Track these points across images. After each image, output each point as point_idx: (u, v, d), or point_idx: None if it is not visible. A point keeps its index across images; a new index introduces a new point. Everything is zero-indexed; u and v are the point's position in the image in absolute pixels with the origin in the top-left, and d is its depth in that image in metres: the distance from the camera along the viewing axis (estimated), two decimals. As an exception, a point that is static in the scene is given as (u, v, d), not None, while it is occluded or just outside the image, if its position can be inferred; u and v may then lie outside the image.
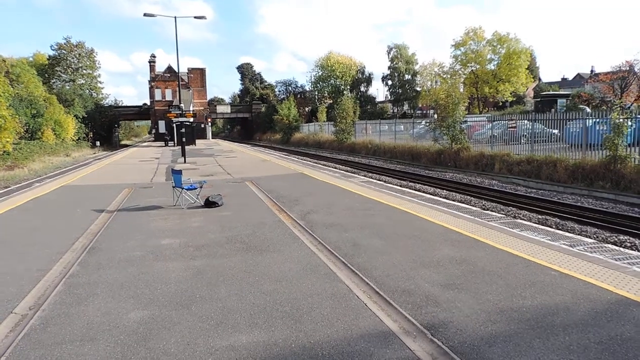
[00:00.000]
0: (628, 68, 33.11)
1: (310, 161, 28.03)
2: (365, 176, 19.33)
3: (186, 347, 3.81)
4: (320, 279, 5.40)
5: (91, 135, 55.85)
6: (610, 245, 6.69)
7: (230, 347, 3.79)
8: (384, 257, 6.14)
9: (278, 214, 9.33)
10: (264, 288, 5.13)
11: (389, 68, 68.32)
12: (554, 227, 9.80)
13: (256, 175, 16.39)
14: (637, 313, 4.19)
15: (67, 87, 60.10)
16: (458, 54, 55.16)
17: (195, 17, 30.82)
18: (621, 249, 6.57)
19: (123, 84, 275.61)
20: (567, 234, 7.42)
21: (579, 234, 8.86)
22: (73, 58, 66.53)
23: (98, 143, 54.24)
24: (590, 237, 8.68)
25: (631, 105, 28.79)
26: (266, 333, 4.02)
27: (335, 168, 23.49)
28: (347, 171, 22.32)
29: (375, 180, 16.96)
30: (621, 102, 22.65)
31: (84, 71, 68.19)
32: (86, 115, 54.46)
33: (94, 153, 48.63)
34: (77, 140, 49.40)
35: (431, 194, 14.06)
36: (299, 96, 75.63)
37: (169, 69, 62.74)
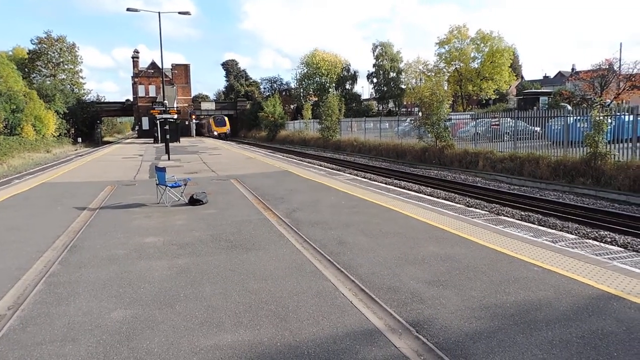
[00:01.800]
0: (608, 66, 33.66)
1: (295, 159, 27.97)
2: (350, 174, 19.35)
3: (170, 347, 3.76)
4: (306, 277, 5.38)
5: (73, 132, 54.90)
6: (591, 241, 6.81)
7: (214, 347, 3.75)
8: (369, 255, 6.15)
9: (263, 211, 9.28)
10: (249, 286, 5.10)
11: (374, 66, 68.45)
12: (536, 223, 9.92)
13: (241, 173, 16.30)
14: (618, 307, 4.26)
15: (48, 82, 58.91)
16: (442, 52, 55.55)
17: (179, 13, 30.45)
18: (602, 244, 6.69)
19: (105, 79, 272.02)
20: (549, 230, 7.53)
21: (560, 230, 9.00)
22: (54, 52, 65.33)
23: (80, 139, 53.32)
24: (571, 233, 8.81)
25: (611, 102, 29.33)
26: (251, 332, 3.99)
27: (321, 166, 23.47)
28: (332, 169, 22.33)
29: (360, 178, 17.00)
30: (601, 100, 23.07)
31: (65, 66, 67.06)
32: (67, 111, 53.55)
33: (76, 149, 47.89)
34: (58, 136, 48.58)
35: (416, 192, 14.14)
36: (284, 93, 75.39)
37: (153, 64, 61.99)
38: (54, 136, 47.07)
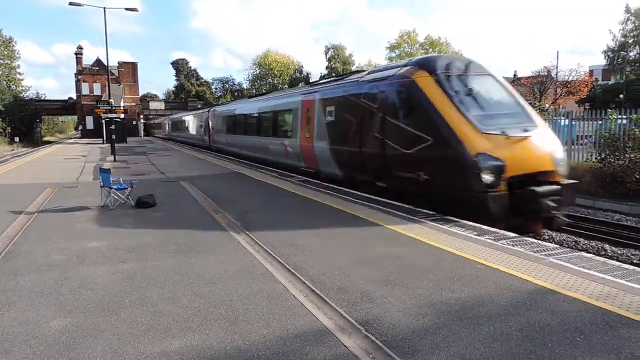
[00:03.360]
0: (546, 73, 35.68)
1: (247, 160, 27.63)
2: (302, 176, 19.34)
3: (114, 355, 3.62)
4: (257, 279, 5.34)
5: (9, 131, 51.83)
6: (529, 239, 7.14)
7: (161, 353, 3.65)
8: (320, 256, 6.19)
9: (214, 214, 9.13)
10: (198, 290, 5.00)
11: (327, 68, 69.14)
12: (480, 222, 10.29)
13: (192, 175, 15.94)
14: (553, 301, 4.51)
15: (-19, 78, 55.23)
16: (393, 56, 56.97)
17: (126, 9, 29.42)
18: (539, 241, 7.03)
19: (45, 76, 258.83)
20: (491, 228, 7.84)
21: (502, 229, 9.37)
22: (-13, 47, 61.25)
23: (17, 139, 50.39)
24: (512, 231, 9.20)
25: (549, 107, 31.05)
26: (200, 337, 3.92)
27: (273, 167, 23.31)
28: (284, 170, 22.23)
29: (312, 180, 17.03)
30: (540, 105, 24.35)
31: (1, 61, 62.97)
32: (3, 109, 50.40)
33: (12, 150, 45.22)
34: (-8, 136, 45.64)
35: (367, 193, 14.30)
36: (236, 94, 74.58)
37: (98, 62, 59.57)
38: (-13, 135, 44.20)
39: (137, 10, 29.65)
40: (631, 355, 3.48)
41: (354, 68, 66.79)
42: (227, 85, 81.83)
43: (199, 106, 72.14)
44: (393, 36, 61.53)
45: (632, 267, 5.56)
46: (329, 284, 5.14)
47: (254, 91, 71.14)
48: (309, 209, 9.56)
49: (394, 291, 4.89)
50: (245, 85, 76.44)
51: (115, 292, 4.96)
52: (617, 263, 5.72)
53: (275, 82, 68.89)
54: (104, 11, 27.02)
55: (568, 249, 6.52)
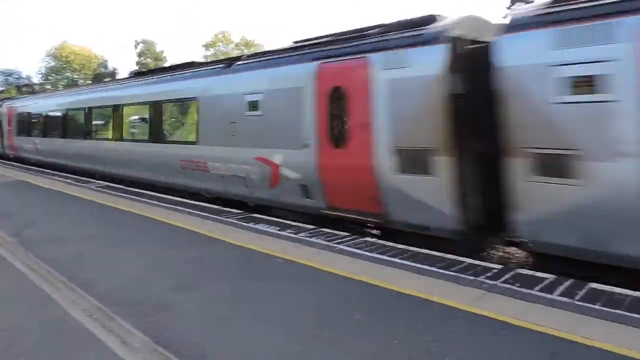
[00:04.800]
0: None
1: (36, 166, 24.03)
2: (104, 181, 17.59)
3: None
4: (30, 305, 4.65)
5: None
6: (326, 229, 7.74)
7: None
8: (114, 268, 5.72)
9: (-20, 232, 7.65)
10: (-54, 328, 4.11)
11: (137, 63, 64.43)
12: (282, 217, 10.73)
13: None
14: (345, 285, 4.93)
15: None
16: (208, 54, 56.35)
17: None
18: (334, 231, 7.67)
19: None
20: (292, 222, 8.28)
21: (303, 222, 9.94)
22: None
23: None
24: (310, 224, 9.79)
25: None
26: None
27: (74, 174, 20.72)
28: (83, 176, 19.96)
29: (115, 185, 15.63)
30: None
31: None
32: None
33: None
34: None
35: (180, 197, 13.75)
36: (24, 89, 64.12)
37: None
38: None
39: None
40: (395, 324, 4.03)
41: (166, 64, 63.65)
42: (11, 79, 69.50)
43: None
44: (209, 35, 61.24)
45: (400, 245, 6.44)
46: (120, 297, 4.76)
47: (50, 86, 62.18)
48: (105, 216, 8.77)
49: (190, 296, 4.77)
50: (36, 80, 66.06)
51: None
52: (392, 244, 6.59)
53: (76, 76, 61.42)
54: None
55: (357, 236, 7.25)
